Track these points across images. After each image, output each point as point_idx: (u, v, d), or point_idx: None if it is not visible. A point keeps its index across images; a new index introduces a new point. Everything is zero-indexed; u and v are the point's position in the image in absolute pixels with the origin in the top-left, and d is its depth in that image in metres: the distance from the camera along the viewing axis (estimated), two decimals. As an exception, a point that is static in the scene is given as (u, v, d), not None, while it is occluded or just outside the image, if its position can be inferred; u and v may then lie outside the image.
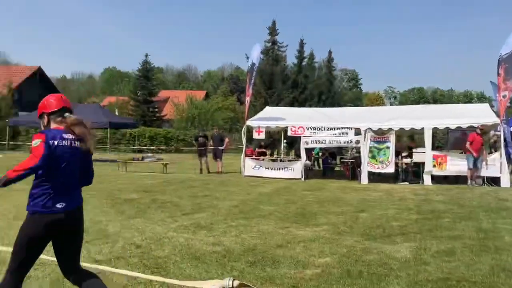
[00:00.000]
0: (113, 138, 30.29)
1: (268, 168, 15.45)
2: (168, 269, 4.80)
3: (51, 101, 3.31)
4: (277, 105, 29.73)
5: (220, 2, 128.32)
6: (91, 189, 11.18)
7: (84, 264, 4.77)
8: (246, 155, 15.85)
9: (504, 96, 13.39)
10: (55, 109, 3.27)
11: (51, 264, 4.81)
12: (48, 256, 5.05)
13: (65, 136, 3.17)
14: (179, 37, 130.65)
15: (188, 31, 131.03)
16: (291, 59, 42.29)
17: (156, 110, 46.31)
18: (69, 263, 3.27)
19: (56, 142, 3.10)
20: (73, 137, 3.20)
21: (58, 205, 3.08)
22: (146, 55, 47.06)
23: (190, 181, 13.89)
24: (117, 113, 37.04)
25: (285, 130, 16.30)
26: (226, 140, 17.56)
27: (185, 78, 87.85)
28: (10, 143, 26.68)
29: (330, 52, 42.59)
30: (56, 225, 3.10)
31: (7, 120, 25.43)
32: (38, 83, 45.96)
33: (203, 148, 16.96)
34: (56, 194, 3.09)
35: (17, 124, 25.84)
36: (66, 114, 3.25)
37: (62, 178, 3.12)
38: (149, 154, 23.17)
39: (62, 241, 3.20)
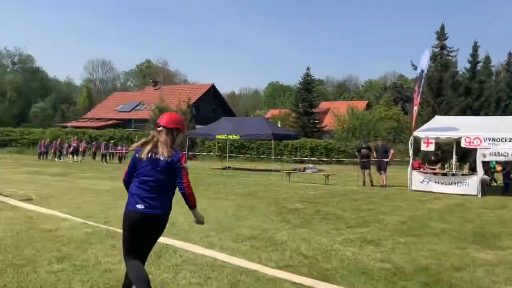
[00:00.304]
0: (277, 149, 31.64)
1: (438, 183, 14.35)
2: (337, 282, 4.78)
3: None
4: (446, 114, 27.56)
5: (380, 9, 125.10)
6: (259, 197, 11.84)
7: (255, 268, 5.06)
8: (413, 168, 15.01)
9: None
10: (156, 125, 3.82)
11: (227, 266, 5.21)
12: (227, 256, 5.49)
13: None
14: (339, 48, 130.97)
15: (348, 42, 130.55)
16: (462, 64, 38.87)
17: (317, 121, 46.99)
18: (142, 249, 3.71)
19: (138, 154, 3.68)
20: (155, 150, 3.64)
21: (138, 206, 3.56)
22: (308, 68, 48.29)
23: (353, 193, 13.70)
24: (279, 125, 38.62)
25: (457, 141, 14.99)
26: (391, 151, 16.86)
27: (346, 88, 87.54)
28: (189, 153, 29.88)
29: (510, 54, 37.96)
30: (136, 222, 3.56)
31: (186, 133, 28.55)
32: (211, 99, 50.79)
33: (366, 160, 16.59)
34: (138, 197, 3.58)
35: (194, 136, 28.83)
36: (159, 129, 3.74)
37: (143, 184, 3.60)
38: (310, 165, 23.50)
39: (143, 234, 3.63)
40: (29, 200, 10.13)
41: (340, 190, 14.50)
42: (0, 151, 36.93)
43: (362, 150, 16.89)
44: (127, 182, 3.75)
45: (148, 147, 3.63)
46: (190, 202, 3.71)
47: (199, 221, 3.90)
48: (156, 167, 3.61)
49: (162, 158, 3.60)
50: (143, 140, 3.75)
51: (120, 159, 29.54)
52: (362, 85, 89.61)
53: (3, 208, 8.92)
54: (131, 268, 3.57)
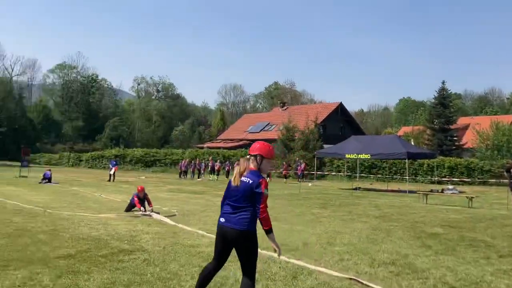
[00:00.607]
0: (411, 168, 29.98)
1: None
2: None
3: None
4: None
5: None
6: (394, 220, 11.26)
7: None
8: None
9: None
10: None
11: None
12: (364, 281, 5.26)
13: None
14: (478, 60, 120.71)
15: (488, 51, 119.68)
16: None
17: (455, 138, 43.59)
18: (242, 267, 4.06)
19: (231, 178, 4.16)
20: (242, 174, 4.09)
21: (220, 219, 4.07)
22: (443, 82, 45.39)
23: (502, 218, 12.27)
24: (412, 143, 36.61)
25: None
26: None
27: (487, 102, 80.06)
28: (318, 172, 29.80)
29: None
30: (218, 233, 4.08)
31: (314, 152, 28.62)
32: (339, 118, 50.34)
33: (517, 180, 14.82)
34: (223, 213, 4.09)
35: (322, 155, 28.71)
36: (247, 156, 4.20)
37: (228, 201, 4.09)
38: (450, 186, 21.81)
39: (224, 245, 4.08)
40: (172, 216, 10.97)
41: (487, 214, 13.11)
42: (146, 171, 41.00)
43: (512, 170, 15.13)
44: (222, 202, 4.24)
45: (235, 172, 4.13)
46: (264, 226, 3.91)
47: (275, 248, 4.05)
48: (238, 188, 4.03)
49: (245, 180, 4.01)
50: (235, 164, 4.33)
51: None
52: (507, 98, 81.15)
53: (152, 223, 9.78)
54: (205, 267, 4.28)
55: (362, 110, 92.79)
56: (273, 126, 50.17)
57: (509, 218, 12.22)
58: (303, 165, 31.25)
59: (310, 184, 26.97)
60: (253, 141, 39.05)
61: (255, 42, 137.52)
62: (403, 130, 54.66)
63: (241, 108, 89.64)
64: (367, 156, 23.04)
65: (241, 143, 49.72)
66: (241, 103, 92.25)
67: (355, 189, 23.40)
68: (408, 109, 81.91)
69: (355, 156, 23.31)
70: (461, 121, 51.24)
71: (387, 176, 30.63)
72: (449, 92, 46.67)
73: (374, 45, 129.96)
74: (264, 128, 51.99)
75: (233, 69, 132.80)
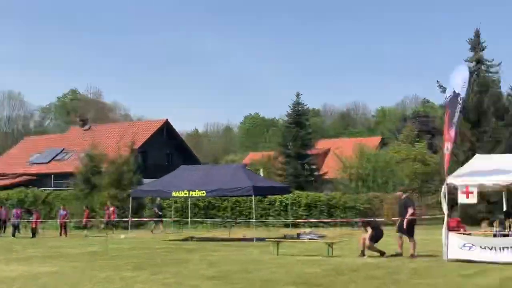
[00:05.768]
0: (259, 208, 31.36)
1: (486, 248, 14.28)
2: None
3: None
4: (490, 151, 27.97)
5: (390, 13, 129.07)
6: (235, 281, 11.54)
7: None
8: (449, 229, 14.93)
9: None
10: None
11: None
12: None
13: None
14: (338, 69, 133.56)
15: (350, 59, 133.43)
16: (508, 83, 40.00)
17: (314, 167, 46.84)
18: None
19: None
20: None
21: None
22: (297, 95, 47.66)
23: (369, 268, 13.45)
24: (261, 174, 38.46)
25: (509, 188, 15.08)
26: (409, 210, 16.23)
27: (351, 120, 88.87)
28: (134, 219, 29.19)
29: None
30: None
31: (130, 190, 28.14)
32: (165, 141, 50.61)
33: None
34: None
35: (140, 194, 28.32)
36: None
37: None
38: (307, 230, 23.39)
39: None
40: None
41: (350, 264, 14.29)
42: None
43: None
44: None
45: None
46: None
47: None
48: None
49: None
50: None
51: (34, 232, 28.72)
52: (373, 115, 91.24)
53: None
54: None
55: (197, 131, 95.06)
56: (70, 153, 48.20)
57: (375, 268, 13.45)
58: (112, 209, 30.51)
59: (122, 236, 26.39)
60: (39, 175, 36.74)
61: (34, 34, 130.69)
62: (251, 157, 57.39)
63: (21, 127, 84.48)
64: (202, 194, 23.51)
65: (20, 179, 46.56)
66: (21, 119, 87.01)
67: (186, 239, 23.60)
68: (256, 129, 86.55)
69: (186, 193, 23.59)
70: (321, 144, 55.83)
71: (229, 220, 31.56)
72: (305, 107, 49.64)
73: (207, 45, 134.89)
74: (56, 156, 49.63)
75: (7, 69, 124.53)
